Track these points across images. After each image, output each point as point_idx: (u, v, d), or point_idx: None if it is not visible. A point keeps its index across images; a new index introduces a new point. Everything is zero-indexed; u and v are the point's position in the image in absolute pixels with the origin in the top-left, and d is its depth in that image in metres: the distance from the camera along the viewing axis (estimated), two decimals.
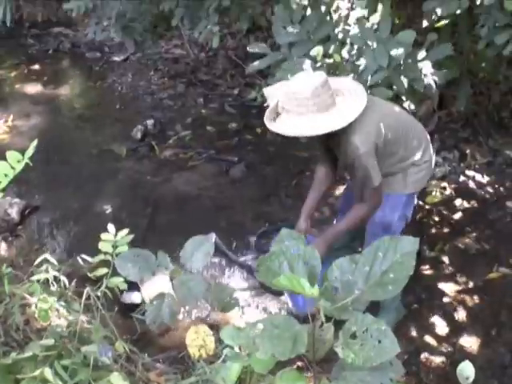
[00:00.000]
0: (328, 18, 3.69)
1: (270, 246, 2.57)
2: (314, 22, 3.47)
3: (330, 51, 3.39)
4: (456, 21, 3.64)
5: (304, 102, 2.48)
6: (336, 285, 1.64)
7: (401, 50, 3.09)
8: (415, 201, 3.09)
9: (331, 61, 3.42)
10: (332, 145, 2.78)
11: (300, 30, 3.45)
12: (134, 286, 3.16)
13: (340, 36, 3.49)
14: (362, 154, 2.59)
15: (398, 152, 2.79)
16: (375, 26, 3.39)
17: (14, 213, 3.93)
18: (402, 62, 3.21)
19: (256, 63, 3.79)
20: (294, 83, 2.53)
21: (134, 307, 3.17)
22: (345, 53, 3.44)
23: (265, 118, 2.60)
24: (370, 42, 3.17)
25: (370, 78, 3.16)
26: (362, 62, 3.22)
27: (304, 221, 3.00)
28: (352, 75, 3.28)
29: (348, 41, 3.40)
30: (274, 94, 2.67)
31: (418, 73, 3.23)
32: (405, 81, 3.20)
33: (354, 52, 3.30)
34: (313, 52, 3.30)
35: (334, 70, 3.38)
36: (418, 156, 2.86)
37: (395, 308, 3.12)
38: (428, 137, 2.97)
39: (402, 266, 1.58)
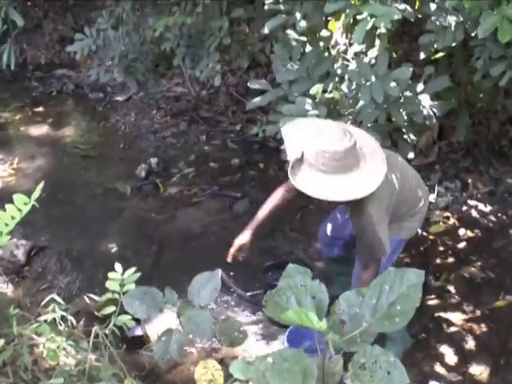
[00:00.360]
0: (326, 54, 3.76)
1: (276, 279, 2.59)
2: (313, 59, 3.53)
3: (329, 88, 3.43)
4: (452, 53, 3.70)
5: (331, 163, 2.42)
6: (343, 318, 1.65)
7: (397, 87, 3.13)
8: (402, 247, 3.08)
9: (331, 96, 3.47)
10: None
11: (299, 67, 3.50)
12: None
13: (339, 72, 3.55)
14: (375, 221, 2.58)
15: (400, 210, 2.80)
16: (373, 61, 3.45)
17: (20, 254, 3.95)
18: (401, 95, 3.25)
19: (256, 100, 3.84)
20: (324, 140, 2.45)
21: (137, 340, 3.18)
22: (344, 88, 3.49)
23: (289, 170, 2.50)
24: (367, 78, 3.22)
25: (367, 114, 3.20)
26: (360, 97, 3.27)
27: (250, 235, 2.96)
28: (351, 110, 3.32)
29: (346, 76, 3.45)
30: (296, 138, 2.59)
31: (417, 105, 3.27)
32: (404, 113, 3.24)
33: (353, 87, 3.35)
34: (312, 91, 3.34)
35: (333, 106, 3.43)
36: (416, 209, 2.90)
37: (401, 338, 3.12)
38: (424, 185, 3.00)
39: (409, 298, 1.59)
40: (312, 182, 2.47)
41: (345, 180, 2.44)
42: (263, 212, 3.00)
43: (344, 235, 3.20)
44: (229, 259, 3.02)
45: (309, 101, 3.35)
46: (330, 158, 2.42)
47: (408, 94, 3.28)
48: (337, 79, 3.50)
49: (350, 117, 3.33)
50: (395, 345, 3.04)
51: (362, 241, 2.69)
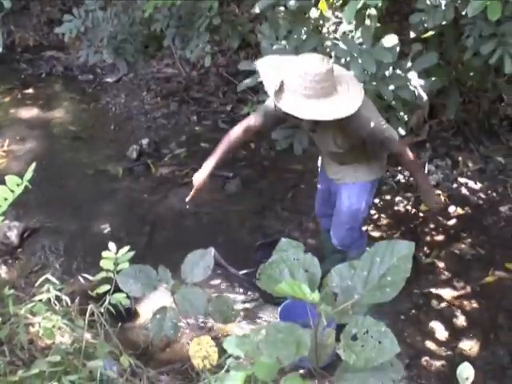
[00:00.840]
0: (315, 33, 3.74)
1: (266, 257, 2.63)
2: (301, 38, 3.51)
3: None
4: (443, 32, 3.71)
5: (313, 85, 2.48)
6: (336, 290, 1.68)
7: (389, 54, 3.12)
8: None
9: None
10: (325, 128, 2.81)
11: (288, 46, 3.48)
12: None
13: (328, 50, 3.54)
14: (375, 123, 2.72)
15: None
16: (360, 40, 3.43)
17: (13, 236, 3.96)
18: (389, 73, 3.25)
19: (247, 81, 3.82)
20: (305, 64, 2.51)
21: (129, 311, 3.23)
22: None
23: (274, 95, 2.53)
24: (355, 54, 3.20)
25: None
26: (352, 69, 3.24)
27: (208, 173, 3.02)
28: None
29: (333, 54, 3.43)
30: (272, 71, 2.62)
31: (405, 81, 3.27)
32: (391, 89, 3.23)
33: (342, 63, 3.32)
34: None
35: None
36: None
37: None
38: None
39: (399, 268, 1.63)
40: (298, 106, 2.52)
41: (327, 103, 2.51)
42: (221, 150, 3.02)
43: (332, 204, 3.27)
44: (188, 199, 3.11)
45: None
46: (312, 79, 2.48)
47: (397, 71, 3.28)
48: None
49: None
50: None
51: (377, 145, 2.85)
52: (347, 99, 2.56)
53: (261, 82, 3.79)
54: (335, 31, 3.99)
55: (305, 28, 3.56)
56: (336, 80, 2.58)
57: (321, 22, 3.95)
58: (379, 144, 2.84)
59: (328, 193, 3.33)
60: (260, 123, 2.96)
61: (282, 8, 3.60)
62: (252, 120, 2.99)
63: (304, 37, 3.47)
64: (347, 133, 2.79)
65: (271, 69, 2.64)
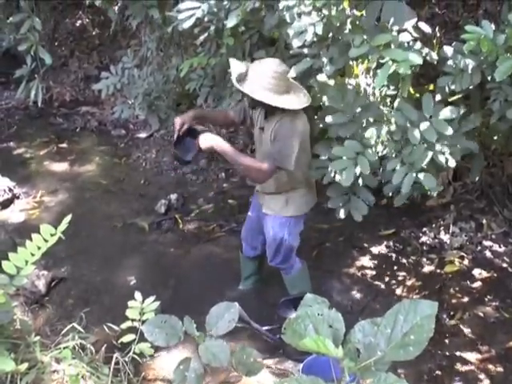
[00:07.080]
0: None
1: (288, 313, 2.66)
2: (362, 104, 3.54)
3: (383, 132, 3.41)
4: (468, 95, 3.77)
5: (271, 81, 3.02)
6: (359, 347, 1.71)
7: (449, 128, 3.15)
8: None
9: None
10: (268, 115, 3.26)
11: (347, 112, 3.50)
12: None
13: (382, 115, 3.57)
14: (297, 135, 3.14)
15: (301, 158, 3.24)
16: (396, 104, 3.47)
17: (41, 285, 4.03)
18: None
19: None
20: (265, 64, 3.08)
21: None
22: (392, 128, 3.48)
23: (235, 80, 3.07)
24: (413, 120, 3.22)
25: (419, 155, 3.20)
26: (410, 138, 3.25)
27: (191, 116, 3.53)
28: (395, 153, 3.32)
29: (393, 120, 3.44)
30: (240, 66, 3.16)
31: (454, 145, 3.28)
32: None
33: (397, 129, 3.33)
34: (367, 134, 3.31)
35: (382, 150, 3.44)
36: (303, 178, 3.41)
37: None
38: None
39: (423, 328, 1.65)
40: (260, 93, 3.04)
41: (279, 97, 3.06)
42: (215, 114, 3.85)
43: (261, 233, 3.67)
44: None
45: (357, 144, 3.34)
46: (271, 76, 3.03)
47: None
48: (382, 124, 3.49)
49: (397, 157, 3.31)
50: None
51: (278, 146, 3.16)
52: (300, 99, 3.15)
53: None
54: (373, 94, 4.07)
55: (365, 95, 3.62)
56: (290, 83, 3.16)
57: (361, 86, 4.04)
58: (275, 148, 3.17)
59: (257, 220, 3.72)
60: (233, 115, 3.61)
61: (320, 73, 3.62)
62: (231, 111, 3.66)
63: (364, 104, 3.53)
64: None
65: (240, 65, 3.16)
